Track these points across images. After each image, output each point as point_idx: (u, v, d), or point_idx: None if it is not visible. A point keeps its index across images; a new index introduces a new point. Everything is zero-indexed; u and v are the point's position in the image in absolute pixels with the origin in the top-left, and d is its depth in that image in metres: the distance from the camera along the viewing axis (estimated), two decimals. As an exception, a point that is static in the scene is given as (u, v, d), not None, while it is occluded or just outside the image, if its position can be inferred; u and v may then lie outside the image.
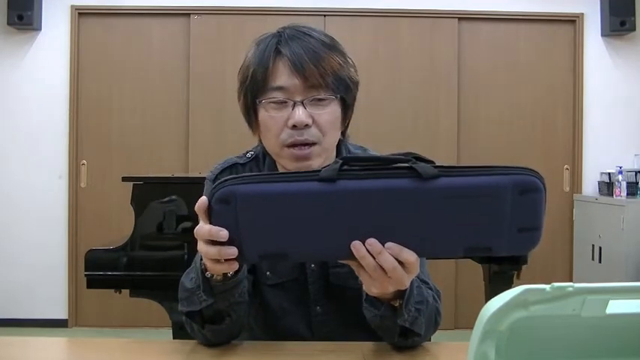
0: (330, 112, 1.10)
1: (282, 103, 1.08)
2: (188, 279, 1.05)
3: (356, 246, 0.80)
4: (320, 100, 1.08)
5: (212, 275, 0.96)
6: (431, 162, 0.80)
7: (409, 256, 0.82)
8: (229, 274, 0.96)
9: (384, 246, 0.81)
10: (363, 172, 0.79)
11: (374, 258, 0.81)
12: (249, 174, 0.83)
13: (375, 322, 0.99)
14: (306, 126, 1.07)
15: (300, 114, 1.07)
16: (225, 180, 0.81)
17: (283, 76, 1.08)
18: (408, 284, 0.89)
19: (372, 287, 0.87)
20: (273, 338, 1.19)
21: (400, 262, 0.82)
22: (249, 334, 1.22)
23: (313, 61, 1.07)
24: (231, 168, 1.23)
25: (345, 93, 1.12)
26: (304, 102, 1.07)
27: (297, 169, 1.10)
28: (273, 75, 1.08)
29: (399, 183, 0.79)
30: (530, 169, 0.80)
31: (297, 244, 0.81)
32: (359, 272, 0.85)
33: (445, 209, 0.78)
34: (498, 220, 0.79)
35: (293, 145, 1.09)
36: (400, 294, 0.93)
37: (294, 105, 1.07)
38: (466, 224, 0.79)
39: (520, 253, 0.82)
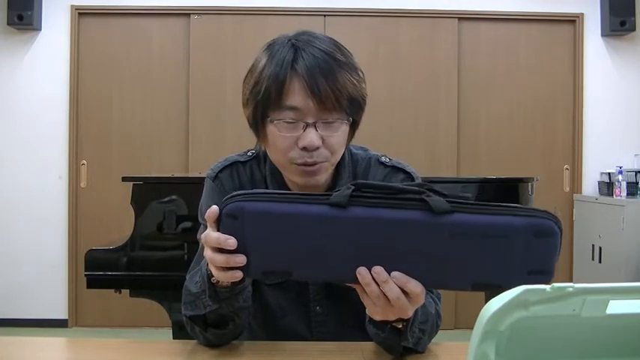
0: (340, 135, 1.08)
1: (293, 123, 1.06)
2: (193, 283, 1.04)
3: (362, 272, 0.79)
4: (332, 122, 1.06)
5: (218, 281, 0.95)
6: (444, 195, 0.79)
7: (415, 287, 0.80)
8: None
9: (390, 274, 0.80)
10: (375, 199, 0.78)
11: (379, 286, 0.80)
12: (260, 190, 0.82)
13: (377, 340, 0.99)
14: (316, 148, 1.06)
15: (312, 136, 1.04)
16: (236, 195, 0.80)
17: (298, 97, 1.04)
18: (411, 314, 0.87)
19: (374, 313, 0.86)
20: (273, 338, 1.18)
21: (405, 292, 0.81)
22: (248, 333, 1.22)
23: (329, 82, 1.03)
24: (232, 166, 1.21)
25: (357, 114, 1.10)
26: (316, 124, 1.05)
27: (304, 184, 1.09)
28: (287, 94, 1.05)
29: (410, 215, 0.77)
30: (548, 212, 0.78)
31: (302, 265, 0.81)
32: (363, 297, 0.84)
33: (455, 245, 0.77)
34: (509, 260, 0.77)
35: (302, 164, 1.07)
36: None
37: (306, 127, 1.05)
38: (475, 261, 0.78)
39: None
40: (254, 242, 0.80)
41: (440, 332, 1.08)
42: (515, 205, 0.78)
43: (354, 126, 1.13)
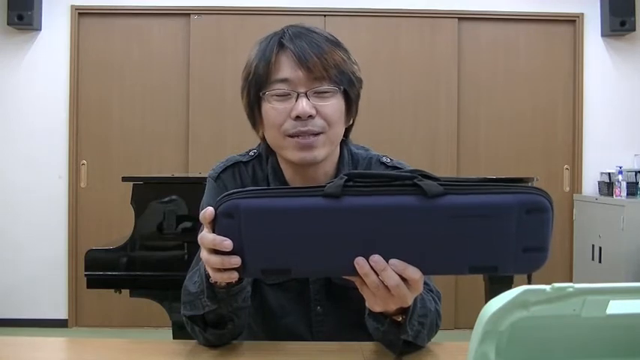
0: (333, 104, 1.10)
1: (285, 96, 1.09)
2: (192, 283, 1.05)
3: (359, 263, 0.79)
4: (323, 92, 1.09)
5: (217, 281, 0.95)
6: (437, 179, 0.79)
7: (413, 273, 0.80)
8: (233, 281, 0.96)
9: (387, 263, 0.80)
10: (368, 188, 0.79)
11: (377, 275, 0.80)
12: (254, 188, 0.82)
13: (377, 335, 0.99)
14: (310, 117, 1.08)
15: (303, 105, 1.07)
16: (231, 193, 0.80)
17: (287, 69, 1.09)
18: (410, 302, 0.87)
19: (374, 305, 0.86)
20: (273, 338, 1.19)
21: (404, 280, 0.81)
22: (248, 333, 1.22)
23: (317, 54, 1.08)
24: (234, 166, 1.22)
25: (349, 86, 1.12)
26: (307, 93, 1.08)
27: (301, 159, 1.10)
28: (276, 68, 1.09)
29: (403, 200, 0.78)
30: (538, 189, 0.78)
31: (301, 260, 0.80)
32: (362, 289, 0.84)
33: (450, 227, 0.77)
34: (504, 239, 0.78)
35: (297, 135, 1.09)
36: (403, 309, 0.92)
37: (298, 96, 1.08)
38: (471, 243, 0.78)
39: (526, 273, 0.80)
40: (251, 240, 0.80)
41: (440, 332, 1.08)
42: (506, 183, 0.79)
43: (349, 105, 1.15)
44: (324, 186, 0.79)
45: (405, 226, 0.78)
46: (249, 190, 0.80)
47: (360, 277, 0.81)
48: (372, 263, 0.79)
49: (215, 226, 0.81)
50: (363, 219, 0.78)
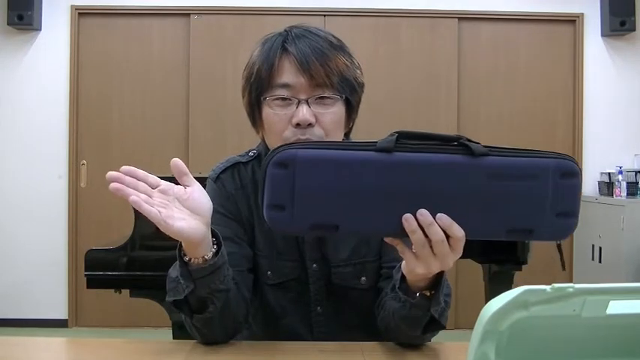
0: (334, 112, 1.10)
1: (286, 101, 1.09)
2: (173, 269, 1.07)
3: (408, 219, 0.81)
4: (325, 99, 1.09)
5: (190, 259, 0.99)
6: (479, 144, 0.83)
7: (458, 231, 0.82)
8: (206, 257, 0.99)
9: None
10: (418, 145, 0.82)
11: (423, 232, 0.82)
12: (308, 141, 0.86)
13: (402, 312, 0.98)
14: (310, 125, 1.08)
15: (304, 112, 1.07)
16: (287, 144, 0.82)
17: (289, 74, 1.08)
18: (451, 265, 0.88)
19: (416, 267, 0.87)
20: (273, 338, 1.19)
21: (447, 237, 0.83)
22: (248, 333, 1.22)
23: (320, 60, 1.07)
24: (233, 167, 1.22)
25: (350, 94, 1.12)
26: (309, 101, 1.08)
27: None
28: (278, 72, 1.09)
29: (451, 158, 0.81)
30: (567, 155, 0.83)
31: (349, 216, 0.82)
32: (403, 253, 0.86)
33: (492, 187, 0.81)
34: (541, 202, 0.81)
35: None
36: (432, 285, 0.94)
37: (299, 103, 1.08)
38: (510, 204, 0.81)
39: (558, 239, 0.84)
40: (303, 192, 0.81)
41: (440, 332, 1.08)
42: (540, 150, 0.84)
43: (350, 111, 1.15)
44: (376, 142, 0.82)
45: (451, 184, 0.81)
46: (304, 142, 0.86)
47: (402, 238, 0.83)
48: (419, 217, 0.81)
49: (266, 177, 0.82)
50: (413, 173, 0.81)
